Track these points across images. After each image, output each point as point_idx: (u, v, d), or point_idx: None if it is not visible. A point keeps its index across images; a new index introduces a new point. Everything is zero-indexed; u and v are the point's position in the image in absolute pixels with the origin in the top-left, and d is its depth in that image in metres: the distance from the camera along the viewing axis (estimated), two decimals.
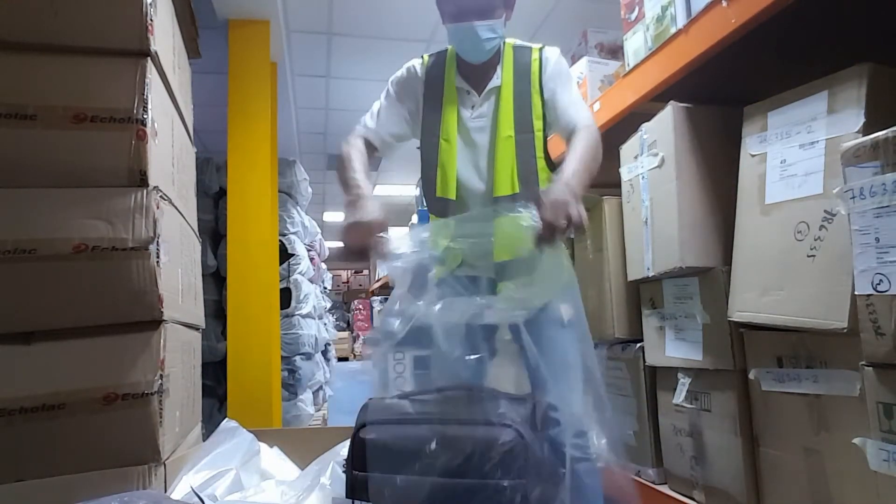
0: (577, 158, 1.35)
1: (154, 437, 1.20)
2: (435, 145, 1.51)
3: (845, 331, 1.10)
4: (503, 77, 1.51)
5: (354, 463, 1.15)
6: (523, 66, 1.51)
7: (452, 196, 1.47)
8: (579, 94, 1.52)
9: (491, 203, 1.44)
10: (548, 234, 1.17)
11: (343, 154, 1.52)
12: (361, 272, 16.24)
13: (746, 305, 1.35)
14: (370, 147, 1.59)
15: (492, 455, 1.09)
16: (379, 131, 1.58)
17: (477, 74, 1.52)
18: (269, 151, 3.13)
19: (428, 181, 1.53)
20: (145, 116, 1.24)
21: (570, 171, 1.30)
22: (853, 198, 0.98)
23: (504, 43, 1.55)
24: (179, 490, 1.24)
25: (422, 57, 1.61)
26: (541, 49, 1.54)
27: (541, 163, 1.48)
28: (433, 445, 1.11)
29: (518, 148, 1.46)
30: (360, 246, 1.28)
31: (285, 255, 4.08)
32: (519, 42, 1.57)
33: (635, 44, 1.72)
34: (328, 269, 7.08)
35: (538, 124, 1.49)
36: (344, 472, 1.18)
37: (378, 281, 10.11)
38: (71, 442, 1.16)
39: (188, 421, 1.49)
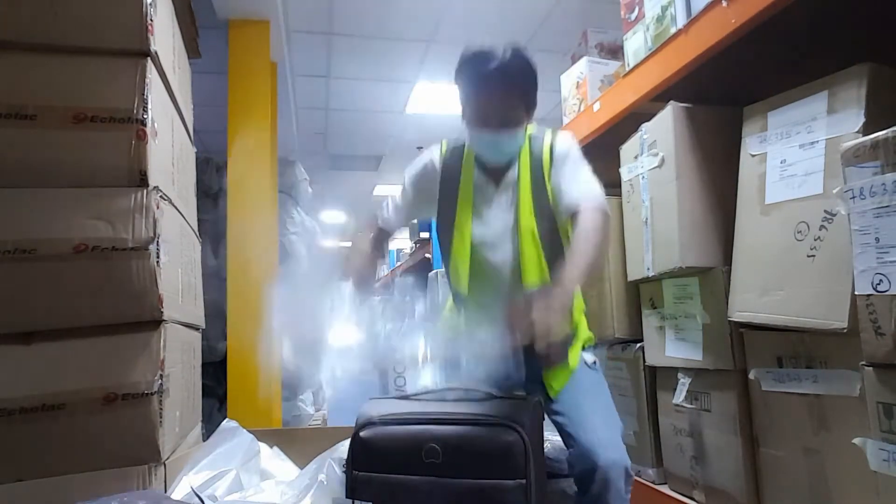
0: (577, 257, 1.28)
1: (154, 438, 1.20)
2: (449, 240, 1.52)
3: (845, 331, 1.10)
4: (520, 168, 1.49)
5: (355, 463, 1.15)
6: (538, 153, 1.49)
7: (465, 292, 1.48)
8: (587, 172, 1.44)
9: (517, 294, 1.41)
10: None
11: (353, 243, 1.58)
12: None
13: (746, 305, 1.35)
14: (385, 234, 1.65)
15: (493, 455, 1.09)
16: (398, 223, 1.64)
17: (494, 168, 1.51)
18: (269, 151, 3.12)
19: (451, 269, 1.56)
20: (145, 116, 1.24)
21: (567, 277, 1.24)
22: (853, 198, 0.98)
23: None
24: (179, 490, 1.24)
25: (440, 145, 1.61)
26: (553, 134, 1.51)
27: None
28: (434, 445, 1.11)
29: (542, 238, 1.44)
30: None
31: (285, 255, 4.07)
32: (535, 130, 1.53)
33: (635, 44, 1.72)
34: None
35: (556, 209, 1.46)
36: (343, 471, 1.18)
37: (378, 280, 10.09)
38: (71, 442, 1.16)
39: (188, 421, 1.49)
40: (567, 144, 1.49)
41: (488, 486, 1.08)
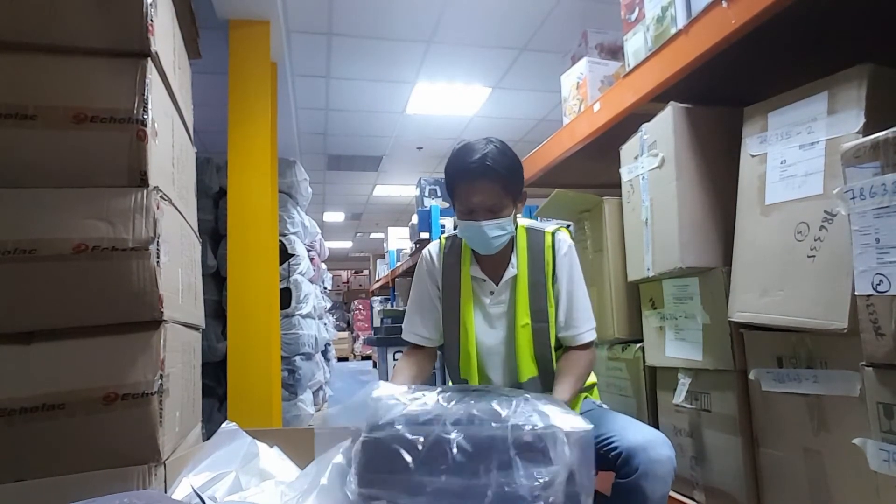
0: (571, 386, 1.40)
1: (154, 437, 1.20)
2: (456, 333, 1.57)
3: (845, 331, 1.10)
4: (518, 266, 1.55)
5: (367, 465, 1.12)
6: (537, 253, 1.55)
7: (475, 381, 1.54)
8: (584, 290, 1.57)
9: (514, 386, 1.51)
10: None
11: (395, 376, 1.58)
12: (361, 272, 16.23)
13: (746, 306, 1.35)
14: (425, 353, 1.65)
15: (510, 454, 1.07)
16: (429, 332, 1.63)
17: (493, 263, 1.56)
18: (269, 151, 3.13)
19: (451, 360, 1.59)
20: (145, 116, 1.24)
21: (564, 396, 1.35)
22: (853, 198, 0.98)
23: (517, 226, 1.58)
24: (180, 491, 1.24)
25: (439, 240, 1.68)
26: (553, 234, 1.57)
27: (554, 353, 1.53)
28: (449, 446, 1.09)
29: (535, 336, 1.51)
30: None
31: (285, 255, 4.08)
32: (531, 224, 1.60)
33: (635, 44, 1.72)
34: (328, 270, 7.08)
35: (552, 312, 1.53)
36: (355, 473, 1.15)
37: (378, 281, 10.10)
38: (71, 442, 1.16)
39: (188, 421, 1.49)
40: (569, 248, 1.57)
41: (503, 491, 1.06)
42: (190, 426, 1.52)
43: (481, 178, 1.44)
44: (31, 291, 1.16)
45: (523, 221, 1.61)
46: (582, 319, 1.53)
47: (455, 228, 1.61)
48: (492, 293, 1.56)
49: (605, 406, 1.58)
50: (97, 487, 1.11)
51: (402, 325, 1.68)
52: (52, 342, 1.18)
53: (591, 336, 1.53)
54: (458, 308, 1.57)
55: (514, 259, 1.55)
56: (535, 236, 1.56)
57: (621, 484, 1.25)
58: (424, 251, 1.68)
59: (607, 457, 1.31)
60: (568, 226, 2.50)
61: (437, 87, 4.92)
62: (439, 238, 1.69)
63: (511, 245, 1.56)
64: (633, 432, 1.30)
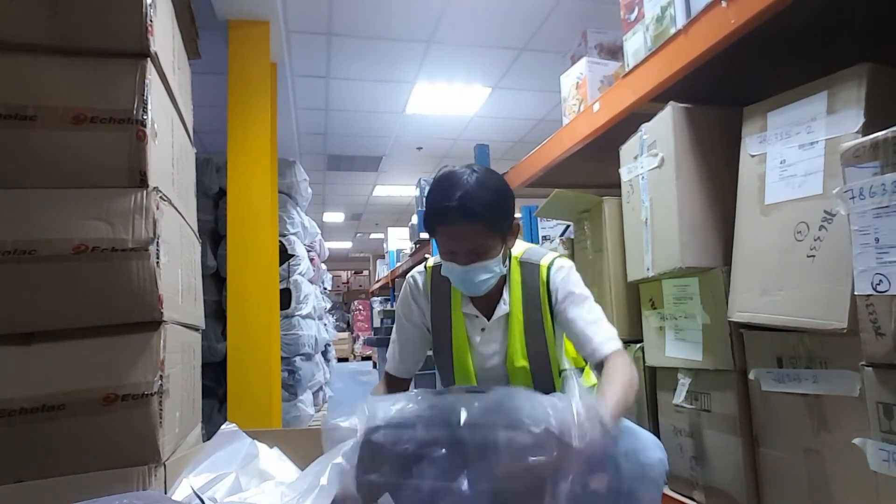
0: (618, 403, 1.15)
1: (154, 438, 1.20)
2: (451, 373, 1.50)
3: (845, 331, 1.10)
4: (511, 303, 1.42)
5: (364, 466, 1.11)
6: (532, 289, 1.41)
7: None
8: (596, 309, 1.40)
9: None
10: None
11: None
12: (361, 273, 16.24)
13: (746, 305, 1.35)
14: (399, 382, 1.57)
15: (513, 457, 1.05)
16: (406, 367, 1.56)
17: (485, 298, 1.43)
18: (268, 152, 3.13)
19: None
20: (145, 117, 1.24)
21: (610, 413, 1.10)
22: (853, 198, 0.98)
23: (511, 258, 1.45)
24: (180, 492, 1.24)
25: (424, 268, 1.53)
26: (549, 267, 1.43)
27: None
28: (448, 448, 1.07)
29: (535, 381, 1.42)
30: None
31: (285, 255, 4.08)
32: (526, 256, 1.45)
33: (635, 44, 1.72)
34: (328, 270, 7.08)
35: (552, 352, 1.43)
36: (351, 473, 1.14)
37: (378, 281, 10.10)
38: (71, 442, 1.16)
39: (188, 421, 1.49)
40: (566, 275, 1.42)
41: (509, 489, 1.05)
42: (190, 427, 1.52)
43: (461, 221, 1.28)
44: (30, 292, 1.17)
45: (519, 250, 1.48)
46: (597, 336, 1.36)
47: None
48: (483, 330, 1.46)
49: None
50: (97, 488, 1.11)
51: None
52: (52, 342, 1.18)
53: (612, 346, 1.33)
54: (450, 347, 1.48)
55: (506, 295, 1.44)
56: (529, 270, 1.43)
57: (615, 487, 1.25)
58: (409, 278, 1.56)
59: (601, 460, 1.31)
60: (567, 227, 2.50)
61: (437, 87, 4.92)
62: (424, 266, 1.55)
63: (504, 279, 1.44)
64: (625, 435, 1.28)
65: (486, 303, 1.46)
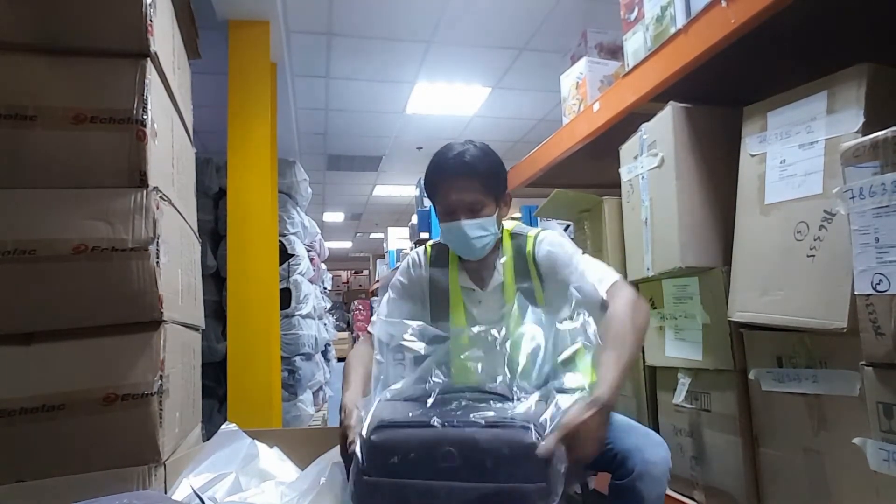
0: (614, 359, 1.19)
1: (154, 438, 1.20)
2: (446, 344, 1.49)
3: (845, 331, 1.10)
4: (505, 273, 1.49)
5: (365, 467, 1.11)
6: (521, 258, 1.48)
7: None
8: (586, 259, 1.43)
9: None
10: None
11: (349, 356, 1.50)
12: (361, 272, 16.24)
13: (746, 305, 1.35)
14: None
15: (512, 458, 1.05)
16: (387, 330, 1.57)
17: (479, 271, 1.51)
18: (268, 152, 3.13)
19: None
20: (145, 117, 1.24)
21: (606, 383, 1.15)
22: (853, 198, 0.98)
23: (503, 231, 1.53)
24: (180, 492, 1.24)
25: (424, 248, 1.62)
26: (536, 236, 1.50)
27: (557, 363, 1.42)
28: (450, 449, 1.07)
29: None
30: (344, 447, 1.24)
31: (285, 255, 4.08)
32: (518, 228, 1.54)
33: (635, 44, 1.72)
34: (328, 270, 7.08)
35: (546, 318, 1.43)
36: (354, 478, 1.14)
37: (378, 281, 10.10)
38: (71, 442, 1.16)
39: (188, 421, 1.49)
40: (551, 240, 1.47)
41: (506, 490, 1.04)
42: (190, 427, 1.52)
43: (459, 175, 1.42)
44: (31, 292, 1.17)
45: (509, 225, 1.56)
46: (591, 281, 1.36)
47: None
48: (479, 302, 1.51)
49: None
50: (97, 488, 1.11)
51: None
52: (52, 342, 1.18)
53: (606, 284, 1.34)
54: (448, 320, 1.50)
55: (499, 266, 1.50)
56: (518, 241, 1.51)
57: (618, 485, 1.26)
58: (411, 254, 1.64)
59: (603, 457, 1.31)
60: (567, 227, 2.50)
61: (437, 87, 4.92)
62: (425, 245, 1.63)
63: (498, 251, 1.52)
64: (628, 433, 1.29)
65: (481, 275, 1.52)
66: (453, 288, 1.54)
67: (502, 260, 1.51)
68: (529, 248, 1.49)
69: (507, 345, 1.31)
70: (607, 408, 1.13)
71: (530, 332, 1.30)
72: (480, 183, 1.42)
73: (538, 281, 1.48)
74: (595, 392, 1.14)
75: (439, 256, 1.58)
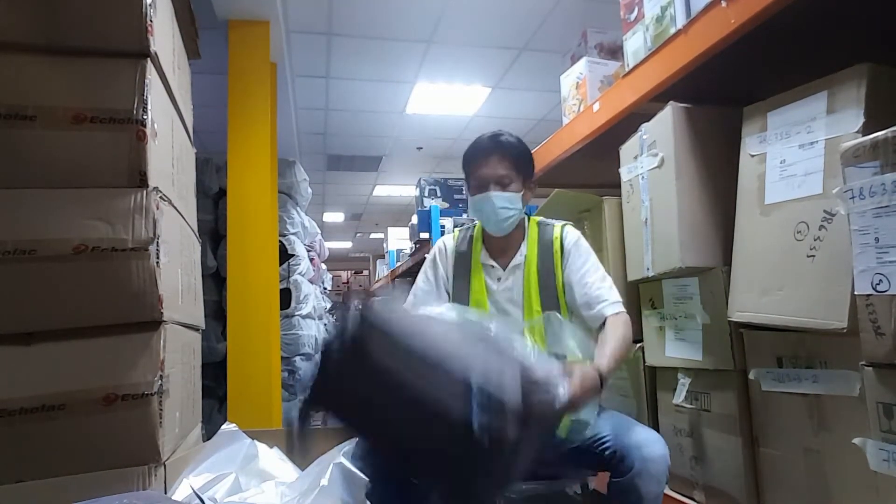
0: (611, 352, 1.36)
1: (154, 438, 1.20)
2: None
3: (845, 331, 1.09)
4: (527, 254, 1.61)
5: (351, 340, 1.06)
6: (546, 243, 1.62)
7: None
8: (599, 271, 1.58)
9: None
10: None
11: None
12: (361, 273, 16.23)
13: (746, 305, 1.35)
14: None
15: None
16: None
17: (501, 249, 1.64)
18: (268, 152, 3.13)
19: None
20: (145, 117, 1.24)
21: (606, 369, 1.29)
22: (853, 198, 0.98)
23: (529, 219, 1.67)
24: (180, 492, 1.24)
25: (453, 232, 1.77)
26: (563, 227, 1.64)
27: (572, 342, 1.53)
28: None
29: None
30: None
31: (285, 255, 4.08)
32: (543, 220, 1.69)
33: (635, 44, 1.72)
34: (328, 270, 7.08)
35: (562, 299, 1.57)
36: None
37: (378, 281, 10.09)
38: (71, 442, 1.16)
39: (188, 421, 1.49)
40: (578, 238, 1.62)
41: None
42: (190, 427, 1.52)
43: (493, 151, 1.57)
44: (31, 292, 1.17)
45: (537, 217, 1.69)
46: (602, 295, 1.52)
47: (465, 215, 1.69)
48: (499, 279, 1.61)
49: (601, 405, 1.57)
50: (97, 488, 1.11)
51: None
52: (52, 342, 1.18)
53: (615, 308, 1.51)
54: (467, 294, 1.61)
55: (523, 247, 1.62)
56: (545, 229, 1.64)
57: (617, 483, 1.26)
58: (439, 241, 1.76)
59: (602, 456, 1.31)
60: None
61: (437, 87, 4.92)
62: (453, 231, 1.78)
63: (521, 233, 1.63)
64: (627, 431, 1.30)
65: (504, 254, 1.63)
66: (475, 263, 1.65)
67: (527, 243, 1.63)
68: (557, 233, 1.62)
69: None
70: (603, 376, 1.24)
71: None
72: (511, 161, 1.57)
73: (560, 264, 1.59)
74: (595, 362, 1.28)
75: (464, 239, 1.70)
